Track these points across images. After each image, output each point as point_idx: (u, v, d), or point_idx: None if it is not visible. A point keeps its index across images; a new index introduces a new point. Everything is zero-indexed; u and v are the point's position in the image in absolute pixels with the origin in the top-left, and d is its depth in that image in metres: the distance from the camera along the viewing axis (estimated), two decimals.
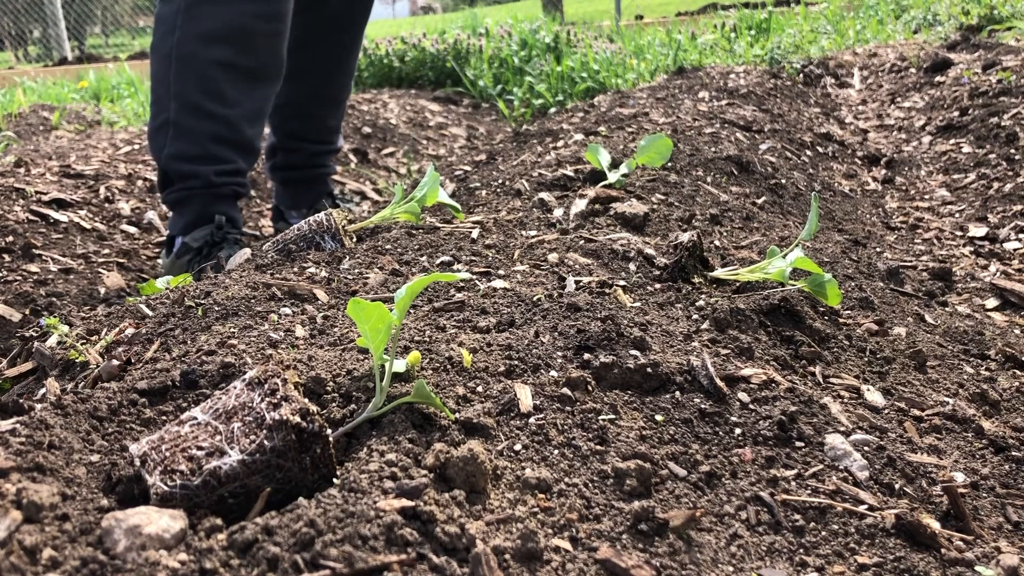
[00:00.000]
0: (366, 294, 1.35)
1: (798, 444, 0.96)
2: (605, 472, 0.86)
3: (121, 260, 2.31)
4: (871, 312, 1.43)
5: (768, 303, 1.29)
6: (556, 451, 0.89)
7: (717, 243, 1.67)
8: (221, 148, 2.10)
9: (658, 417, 0.98)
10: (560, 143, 2.56)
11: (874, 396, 1.12)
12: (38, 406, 1.12)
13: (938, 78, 3.80)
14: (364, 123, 4.16)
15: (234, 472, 0.77)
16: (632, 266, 1.47)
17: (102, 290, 2.06)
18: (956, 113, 3.13)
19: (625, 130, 2.62)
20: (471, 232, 1.64)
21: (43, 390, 1.30)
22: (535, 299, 1.26)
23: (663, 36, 6.26)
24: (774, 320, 1.27)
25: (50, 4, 10.43)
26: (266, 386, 0.83)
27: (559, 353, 1.08)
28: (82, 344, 1.35)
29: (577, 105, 4.01)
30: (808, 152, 2.80)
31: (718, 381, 1.03)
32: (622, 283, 1.37)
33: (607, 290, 1.33)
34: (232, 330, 1.21)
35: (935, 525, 0.86)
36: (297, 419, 0.79)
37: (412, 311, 1.26)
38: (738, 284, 1.42)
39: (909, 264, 1.92)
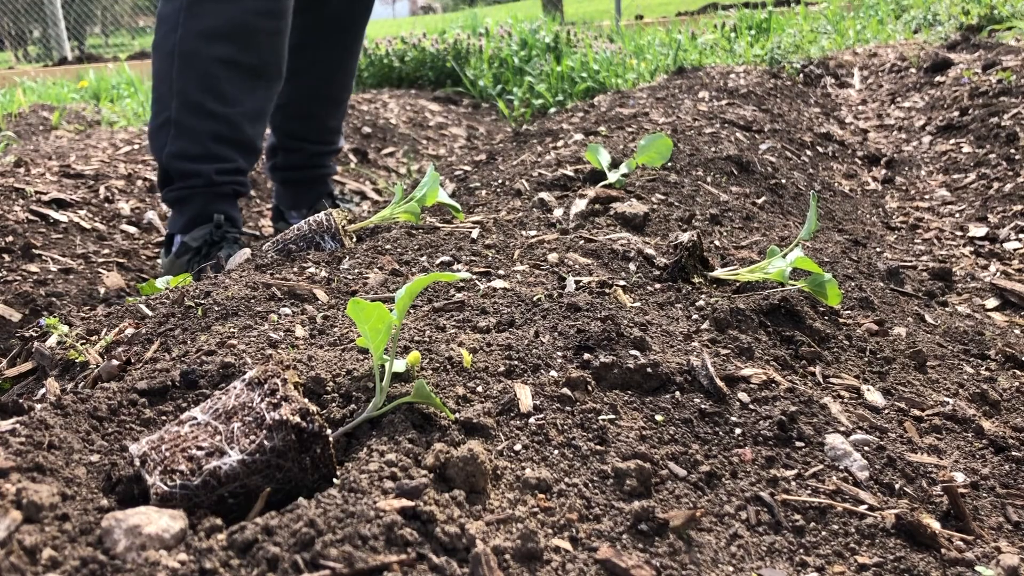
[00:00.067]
0: (366, 294, 1.35)
1: (798, 444, 0.96)
2: (605, 472, 0.86)
3: (121, 260, 2.31)
4: (871, 312, 1.43)
5: (768, 303, 1.29)
6: (556, 451, 0.89)
7: (717, 243, 1.67)
8: (222, 147, 2.10)
9: (658, 417, 0.98)
10: (560, 143, 2.56)
11: (874, 396, 1.12)
12: (38, 406, 1.12)
13: (938, 78, 3.80)
14: (364, 123, 4.16)
15: (234, 472, 0.77)
16: (632, 266, 1.47)
17: (102, 290, 2.06)
18: (956, 113, 3.13)
19: (625, 130, 2.62)
20: (471, 232, 1.64)
21: (43, 390, 1.30)
22: (535, 299, 1.26)
23: (663, 36, 6.26)
24: (774, 320, 1.27)
25: (50, 4, 10.43)
26: (266, 386, 0.83)
27: (559, 353, 1.08)
28: (82, 344, 1.35)
29: (577, 105, 4.01)
30: (808, 152, 2.80)
31: (718, 381, 1.03)
32: (622, 283, 1.37)
33: (607, 290, 1.33)
34: (232, 330, 1.21)
35: (935, 525, 0.86)
36: (297, 419, 0.79)
37: (412, 311, 1.26)
38: (738, 284, 1.42)
39: (909, 264, 1.92)
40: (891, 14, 6.46)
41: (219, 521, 0.72)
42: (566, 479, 0.85)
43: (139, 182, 2.93)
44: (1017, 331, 1.58)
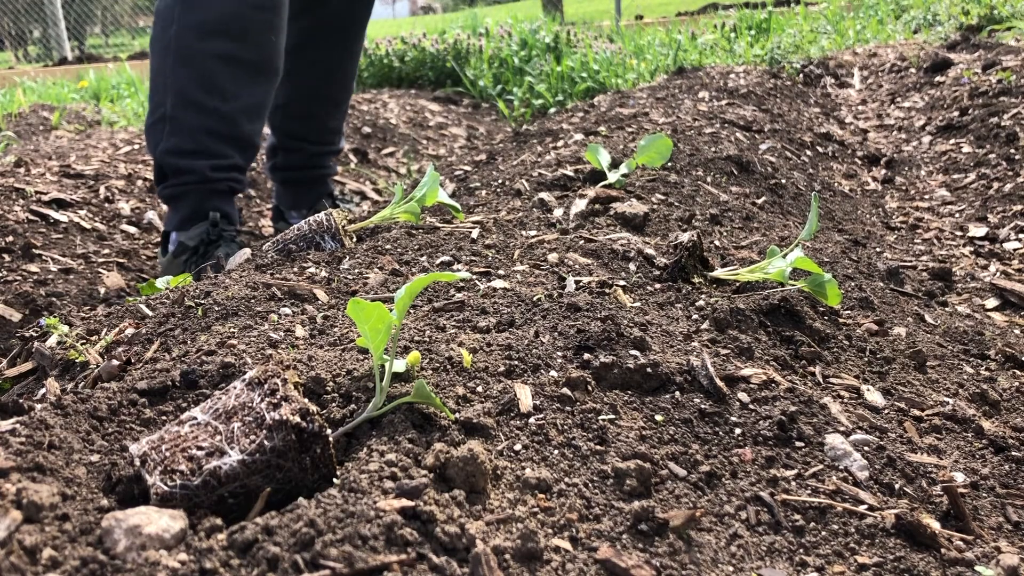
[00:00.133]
0: (366, 294, 1.35)
1: (798, 444, 0.96)
2: (605, 472, 0.86)
3: (121, 260, 2.31)
4: (871, 312, 1.43)
5: (768, 303, 1.29)
6: (556, 451, 0.89)
7: (717, 243, 1.67)
8: (217, 143, 2.08)
9: (658, 417, 0.98)
10: (560, 143, 2.56)
11: (874, 396, 1.12)
12: (38, 406, 1.12)
13: (938, 78, 3.80)
14: (364, 123, 4.16)
15: (234, 472, 0.77)
16: (632, 266, 1.47)
17: (102, 290, 2.06)
18: (956, 113, 3.13)
19: (625, 130, 2.62)
20: (471, 232, 1.64)
21: (43, 390, 1.30)
22: (535, 299, 1.26)
23: (663, 36, 6.26)
24: (774, 320, 1.27)
25: (50, 4, 10.43)
26: (266, 386, 0.83)
27: (559, 353, 1.08)
28: (82, 344, 1.35)
29: (577, 105, 4.01)
30: (808, 152, 2.80)
31: (718, 381, 1.03)
32: (622, 283, 1.37)
33: (607, 290, 1.33)
34: (232, 330, 1.21)
35: (935, 525, 0.86)
36: (297, 419, 0.79)
37: (412, 311, 1.26)
38: (738, 284, 1.42)
39: (909, 264, 1.92)
40: (891, 14, 6.46)
41: (219, 521, 0.72)
42: (566, 479, 0.85)
43: (139, 182, 2.93)
44: (1017, 331, 1.58)
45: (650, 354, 1.08)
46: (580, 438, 0.91)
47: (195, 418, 0.82)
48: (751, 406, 1.01)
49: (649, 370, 1.04)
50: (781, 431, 0.97)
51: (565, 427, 0.93)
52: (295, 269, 1.50)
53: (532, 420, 0.93)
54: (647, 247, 1.54)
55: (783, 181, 2.27)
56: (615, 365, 1.04)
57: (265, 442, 0.78)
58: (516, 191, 1.97)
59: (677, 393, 1.02)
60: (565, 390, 0.98)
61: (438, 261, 1.48)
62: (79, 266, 2.19)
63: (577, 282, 1.36)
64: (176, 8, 2.03)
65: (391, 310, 0.91)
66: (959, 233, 2.23)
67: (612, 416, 0.96)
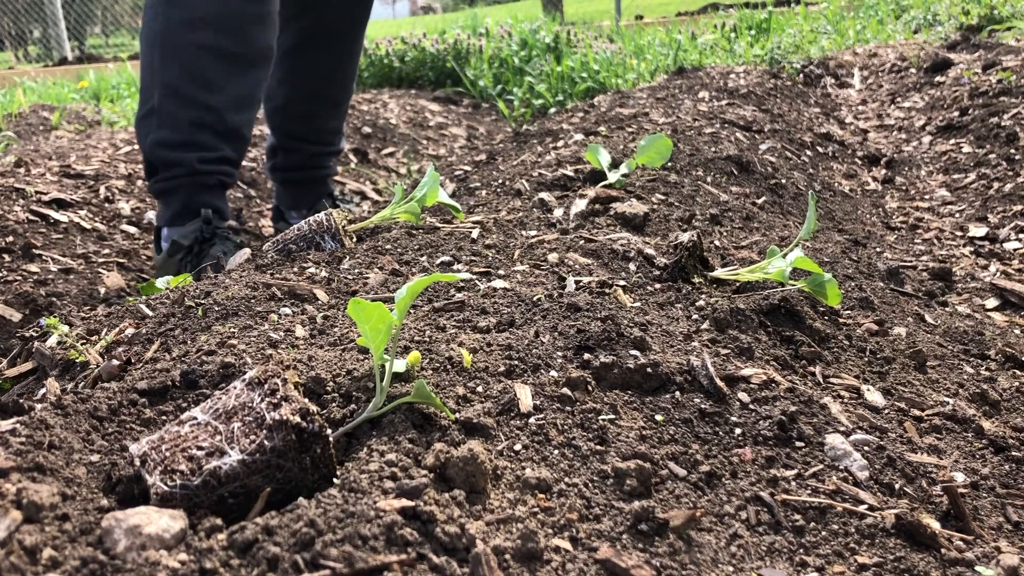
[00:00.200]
0: (366, 294, 1.35)
1: (798, 444, 0.96)
2: (605, 472, 0.86)
3: (121, 260, 2.31)
4: (871, 312, 1.43)
5: (768, 303, 1.29)
6: (556, 451, 0.89)
7: (717, 243, 1.67)
8: (205, 135, 2.05)
9: (658, 417, 0.98)
10: (560, 143, 2.56)
11: (874, 396, 1.12)
12: (38, 406, 1.12)
13: (938, 78, 3.80)
14: (364, 123, 4.16)
15: (234, 472, 0.77)
16: (632, 266, 1.47)
17: (102, 290, 2.06)
18: (956, 113, 3.14)
19: (625, 130, 2.62)
20: (471, 232, 1.64)
21: (43, 390, 1.30)
22: (535, 299, 1.26)
23: (663, 36, 6.26)
24: (774, 320, 1.27)
25: (50, 4, 10.43)
26: (266, 386, 0.83)
27: (559, 353, 1.08)
28: (82, 344, 1.35)
29: (577, 105, 4.01)
30: (808, 152, 2.80)
31: (718, 381, 1.03)
32: (622, 283, 1.37)
33: (607, 290, 1.33)
34: (232, 330, 1.21)
35: (935, 525, 0.86)
36: (297, 419, 0.79)
37: (412, 311, 1.26)
38: (738, 284, 1.42)
39: (909, 264, 1.92)
40: (891, 14, 6.46)
41: (219, 521, 0.72)
42: (566, 479, 0.85)
43: (139, 182, 2.93)
44: (1017, 331, 1.58)
45: (650, 354, 1.08)
46: (580, 438, 0.91)
47: (195, 418, 0.82)
48: (751, 406, 1.01)
49: (649, 370, 1.04)
50: (781, 431, 0.97)
51: (565, 427, 0.93)
52: (295, 269, 1.50)
53: (532, 420, 0.93)
54: (647, 247, 1.54)
55: (783, 181, 2.27)
56: (615, 365, 1.04)
57: (265, 442, 0.78)
58: (516, 191, 1.97)
59: (677, 393, 1.02)
60: (565, 390, 0.98)
61: (438, 261, 1.48)
62: (79, 266, 2.19)
63: (577, 282, 1.36)
64: (162, 1, 2.01)
65: (391, 310, 0.91)
66: (959, 233, 2.23)
67: (612, 416, 0.96)
